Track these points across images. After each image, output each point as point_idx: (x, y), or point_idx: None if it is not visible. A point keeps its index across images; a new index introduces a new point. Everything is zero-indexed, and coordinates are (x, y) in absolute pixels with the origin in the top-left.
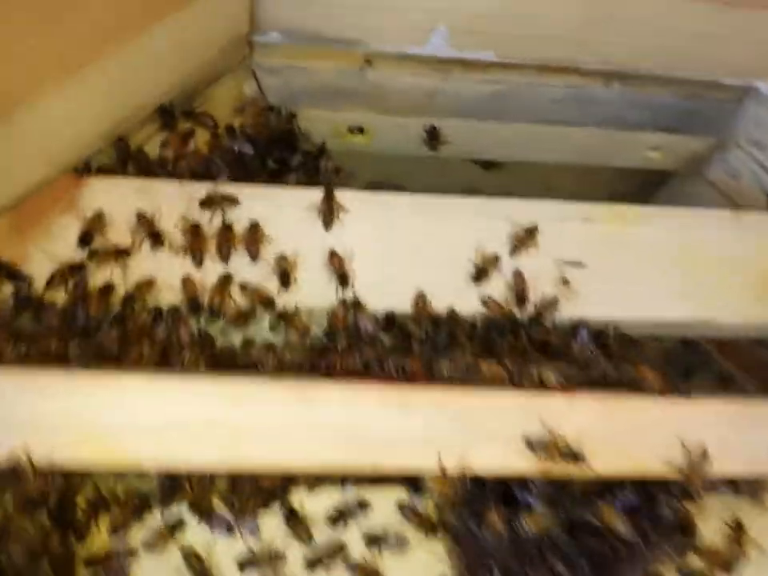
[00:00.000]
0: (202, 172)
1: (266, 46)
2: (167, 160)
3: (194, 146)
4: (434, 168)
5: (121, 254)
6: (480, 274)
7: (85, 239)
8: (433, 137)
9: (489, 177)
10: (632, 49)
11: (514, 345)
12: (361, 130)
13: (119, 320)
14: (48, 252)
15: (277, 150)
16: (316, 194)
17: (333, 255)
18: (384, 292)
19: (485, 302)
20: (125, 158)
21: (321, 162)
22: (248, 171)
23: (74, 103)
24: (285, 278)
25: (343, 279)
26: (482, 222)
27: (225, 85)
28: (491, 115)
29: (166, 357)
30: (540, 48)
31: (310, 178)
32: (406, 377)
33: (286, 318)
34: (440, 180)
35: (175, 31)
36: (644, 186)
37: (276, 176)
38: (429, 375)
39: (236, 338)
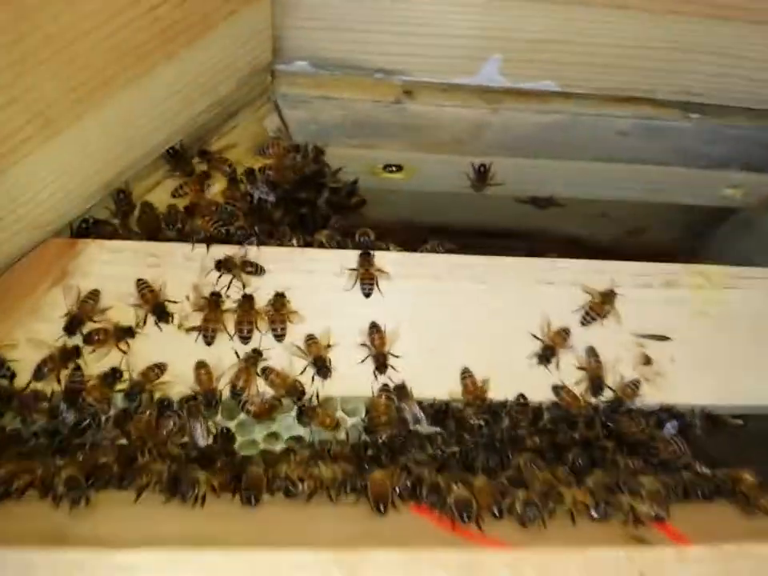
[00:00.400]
0: (217, 227)
1: (292, 76)
2: (176, 214)
3: (208, 194)
4: (477, 202)
5: (123, 336)
6: (546, 353)
7: (73, 324)
8: (481, 176)
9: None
10: (716, 78)
11: (588, 440)
12: (399, 168)
13: (121, 423)
14: (36, 333)
15: (303, 195)
16: (349, 256)
17: (373, 331)
18: (432, 375)
19: (556, 392)
20: (126, 213)
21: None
22: (270, 221)
23: (66, 156)
24: (321, 365)
25: (382, 361)
26: (547, 287)
27: (244, 120)
28: (547, 150)
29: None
30: (607, 76)
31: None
32: (469, 515)
33: (315, 413)
34: (483, 216)
35: (185, 68)
36: (711, 216)
37: (302, 225)
38: (497, 505)
39: (257, 432)
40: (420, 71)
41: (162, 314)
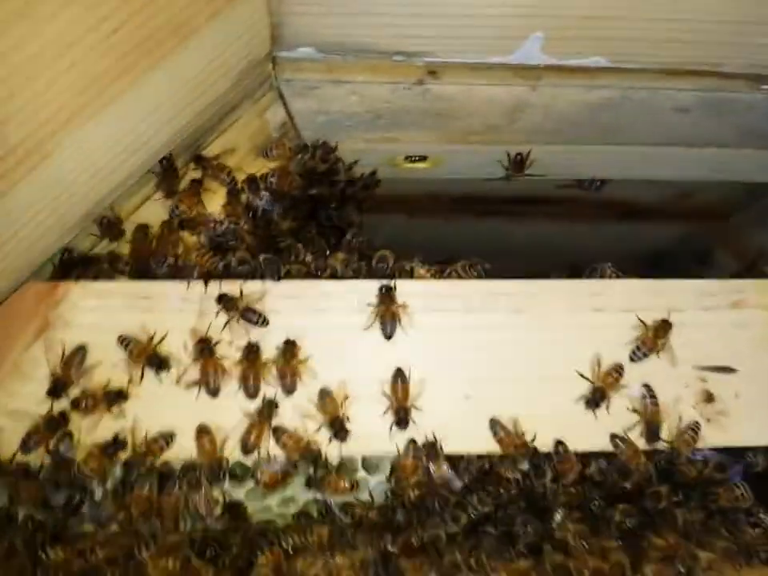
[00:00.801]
0: (214, 262)
1: (296, 62)
2: (165, 242)
3: (203, 211)
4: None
5: (114, 400)
6: (596, 396)
7: (57, 388)
8: (518, 165)
9: None
10: None
11: (640, 490)
12: (423, 157)
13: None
14: (17, 396)
15: (315, 196)
16: (367, 289)
17: (396, 380)
18: (465, 425)
19: (615, 444)
20: (113, 239)
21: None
22: (277, 235)
23: (46, 188)
24: (339, 427)
25: (403, 416)
26: (596, 314)
27: (244, 114)
28: (594, 133)
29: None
30: (665, 51)
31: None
32: None
33: (326, 480)
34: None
35: (171, 77)
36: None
37: (318, 232)
38: None
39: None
40: (447, 52)
41: (159, 364)
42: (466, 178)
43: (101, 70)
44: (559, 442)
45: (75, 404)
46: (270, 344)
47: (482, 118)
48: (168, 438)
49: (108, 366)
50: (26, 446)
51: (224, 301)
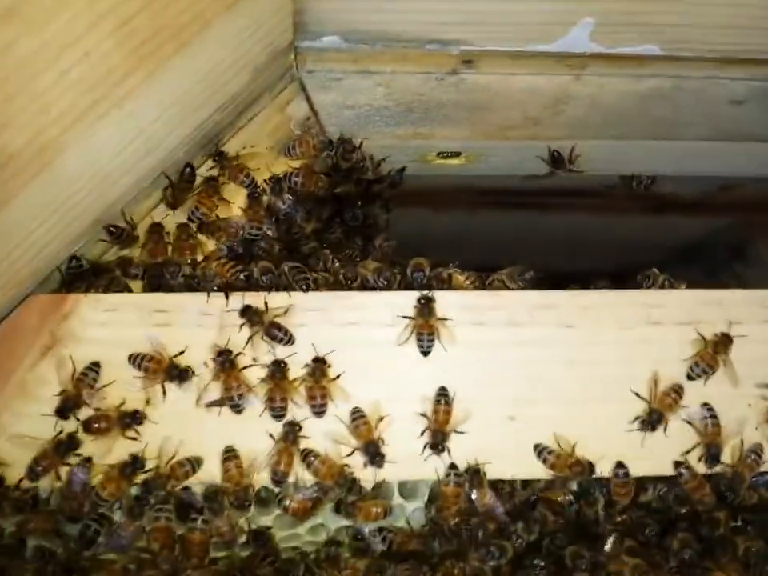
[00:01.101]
0: (236, 273)
1: (320, 52)
2: (182, 248)
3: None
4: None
5: (129, 422)
6: (653, 418)
7: (66, 407)
8: (560, 162)
9: None
10: None
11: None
12: (456, 154)
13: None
14: (24, 418)
15: (337, 203)
16: (402, 301)
17: (439, 401)
18: (511, 449)
19: (680, 473)
20: (125, 246)
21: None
22: (298, 239)
23: (52, 194)
24: (374, 452)
25: (440, 440)
26: (652, 328)
27: (263, 108)
28: (643, 126)
29: None
30: (724, 38)
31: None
32: None
33: (357, 507)
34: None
35: (179, 78)
36: None
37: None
38: None
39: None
40: (484, 39)
41: (180, 376)
42: (500, 174)
43: (110, 67)
44: (620, 464)
45: (86, 426)
46: (296, 360)
47: (522, 111)
48: (195, 464)
49: (122, 385)
50: (32, 472)
51: (249, 314)
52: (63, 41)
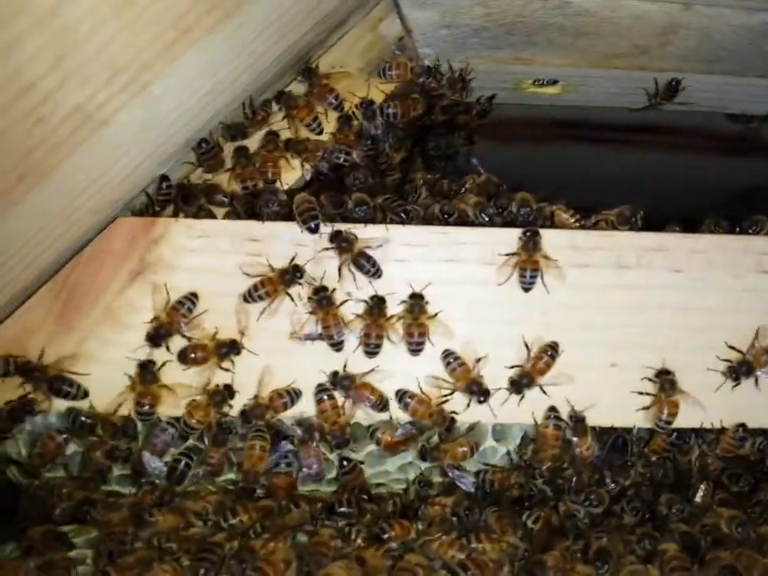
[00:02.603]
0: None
1: None
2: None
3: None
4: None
5: (227, 352)
6: (741, 369)
7: (159, 335)
8: (667, 93)
9: None
10: None
11: None
12: (554, 81)
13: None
14: (112, 345)
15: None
16: (506, 238)
17: (545, 352)
18: (614, 396)
19: None
20: (210, 168)
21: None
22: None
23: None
24: (478, 390)
25: (526, 384)
26: (762, 277)
27: (355, 27)
28: (753, 60)
29: None
30: None
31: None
32: None
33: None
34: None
35: None
36: None
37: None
38: None
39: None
40: None
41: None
42: (595, 106)
43: None
44: (742, 425)
45: (182, 356)
46: (392, 296)
47: (629, 38)
48: (294, 396)
49: (216, 314)
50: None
51: (338, 240)
52: None
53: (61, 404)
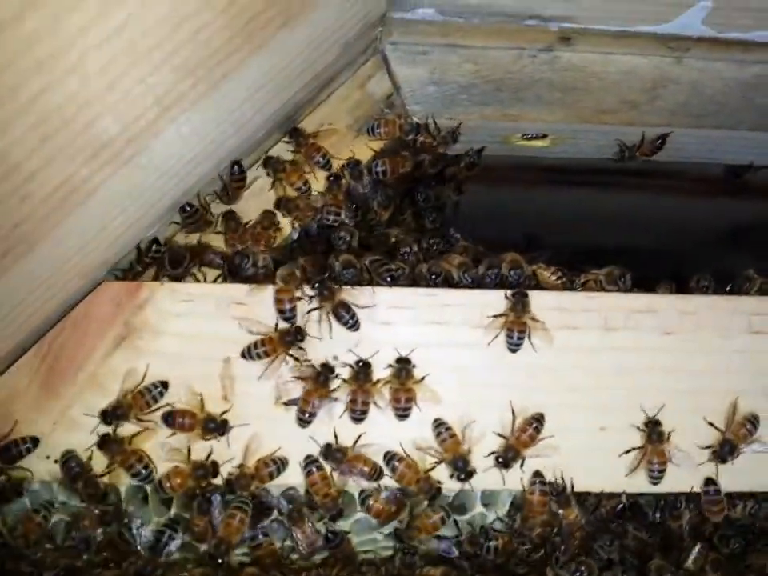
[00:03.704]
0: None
1: (409, 24)
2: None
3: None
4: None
5: (213, 429)
6: (724, 450)
7: (113, 414)
8: (654, 148)
9: None
10: None
11: None
12: (543, 136)
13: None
14: (96, 411)
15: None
16: (492, 301)
17: (530, 424)
18: (602, 461)
19: None
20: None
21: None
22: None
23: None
24: (462, 466)
25: (512, 458)
26: (754, 338)
27: (343, 85)
28: (747, 115)
29: None
30: None
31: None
32: None
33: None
34: None
35: (283, 49)
36: None
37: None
38: None
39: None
40: (589, 18)
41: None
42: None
43: (216, 46)
44: (710, 480)
45: (169, 420)
46: (378, 360)
47: (618, 94)
48: (281, 465)
49: (202, 380)
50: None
51: (321, 288)
52: (174, 18)
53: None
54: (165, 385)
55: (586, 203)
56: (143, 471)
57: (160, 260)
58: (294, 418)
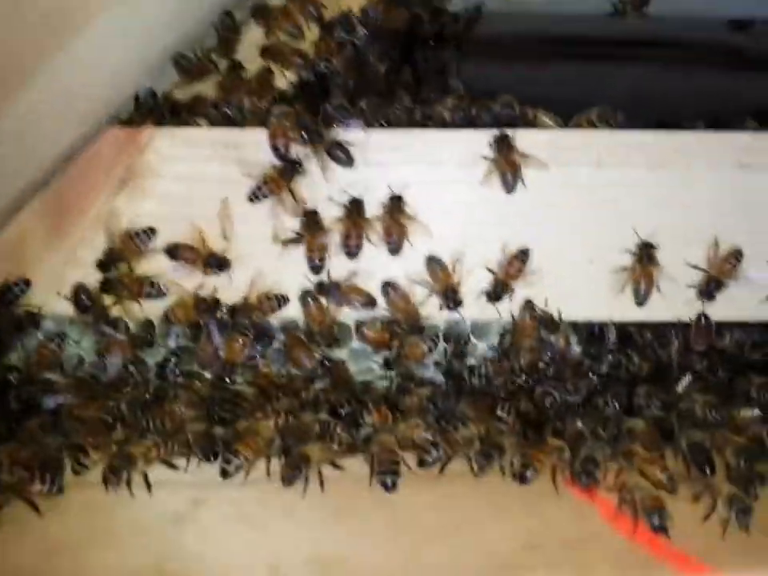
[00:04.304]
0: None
1: None
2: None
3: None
4: None
5: (214, 265)
6: (710, 287)
7: (109, 261)
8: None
9: None
10: None
11: None
12: None
13: None
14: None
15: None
16: (484, 139)
17: (517, 258)
18: (589, 292)
19: None
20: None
21: None
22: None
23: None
24: (451, 297)
25: (501, 292)
26: (741, 173)
27: None
28: None
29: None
30: None
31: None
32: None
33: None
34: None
35: None
36: None
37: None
38: None
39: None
40: None
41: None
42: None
43: None
44: (703, 315)
45: (172, 252)
46: (373, 201)
47: None
48: (282, 301)
49: (202, 221)
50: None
51: (310, 132)
52: None
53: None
54: (153, 231)
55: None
56: (153, 290)
57: (158, 110)
58: (297, 261)
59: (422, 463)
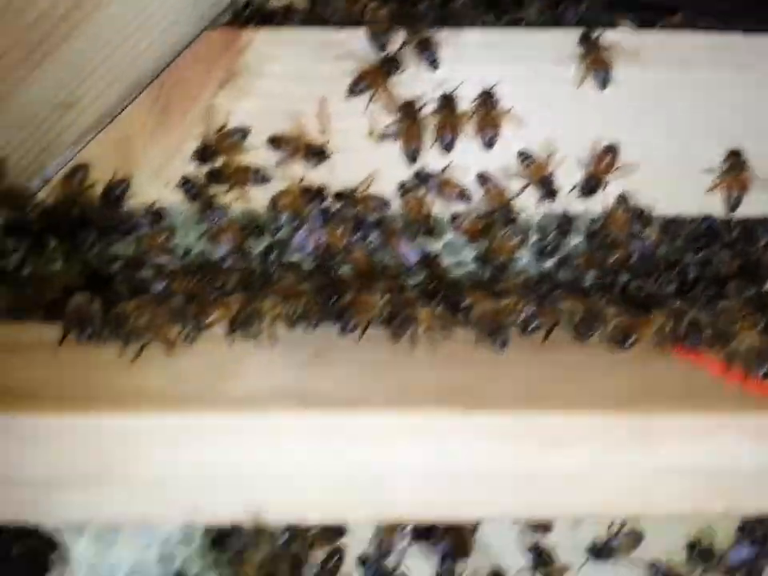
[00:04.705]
0: None
1: None
2: None
3: None
4: None
5: (314, 155)
6: None
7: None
8: None
9: None
10: None
11: None
12: None
13: None
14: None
15: None
16: (569, 39)
17: (606, 153)
18: (678, 188)
19: None
20: None
21: None
22: None
23: None
24: (548, 187)
25: (594, 186)
26: None
27: None
28: None
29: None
30: None
31: None
32: None
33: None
34: None
35: None
36: None
37: None
38: None
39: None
40: None
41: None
42: None
43: None
44: None
45: (275, 141)
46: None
47: None
48: (383, 204)
49: (302, 116)
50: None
51: (404, 19)
52: None
53: None
54: (244, 131)
55: None
56: (258, 176)
57: (255, 15)
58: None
59: (525, 328)
